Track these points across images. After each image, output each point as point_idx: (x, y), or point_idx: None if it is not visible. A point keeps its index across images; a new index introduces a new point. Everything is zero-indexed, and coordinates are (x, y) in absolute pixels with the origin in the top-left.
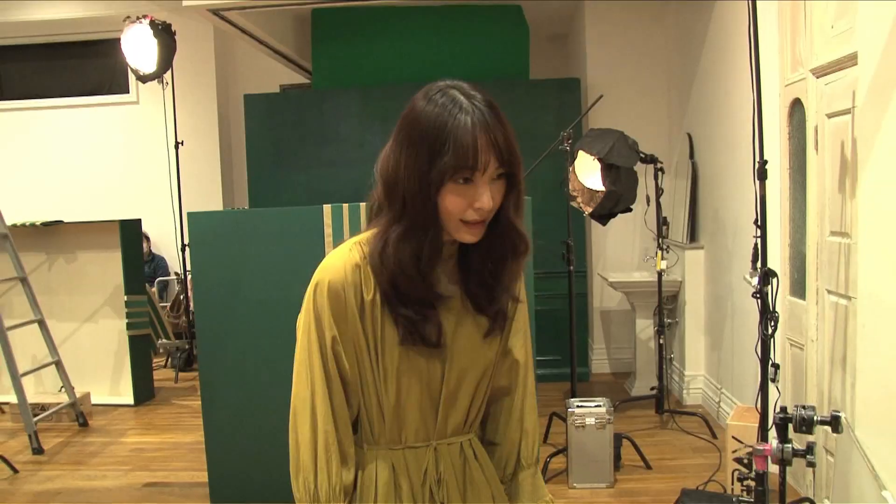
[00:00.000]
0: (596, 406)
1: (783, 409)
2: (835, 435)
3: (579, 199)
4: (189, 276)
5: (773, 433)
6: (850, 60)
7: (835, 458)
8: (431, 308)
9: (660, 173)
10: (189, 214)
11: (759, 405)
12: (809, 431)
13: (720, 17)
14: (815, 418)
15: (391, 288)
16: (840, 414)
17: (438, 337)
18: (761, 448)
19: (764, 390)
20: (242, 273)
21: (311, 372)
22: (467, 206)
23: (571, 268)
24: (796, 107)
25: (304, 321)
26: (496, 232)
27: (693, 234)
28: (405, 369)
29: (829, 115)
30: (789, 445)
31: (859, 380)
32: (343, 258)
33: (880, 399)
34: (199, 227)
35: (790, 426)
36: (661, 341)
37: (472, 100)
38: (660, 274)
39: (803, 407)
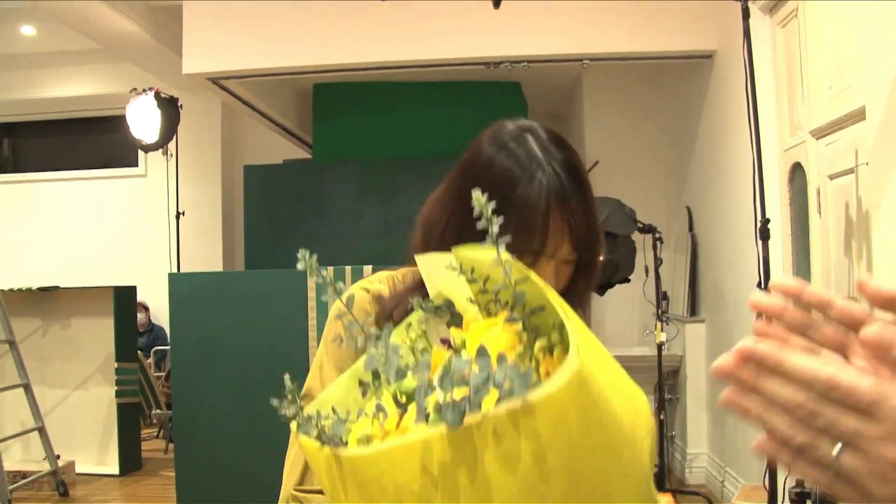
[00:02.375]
0: None
1: (799, 484)
2: None
3: None
4: None
5: None
6: (851, 119)
7: None
8: None
9: (658, 243)
10: (170, 275)
11: (766, 482)
12: None
13: (717, 86)
14: None
15: None
16: None
17: None
18: None
19: (772, 467)
20: (222, 335)
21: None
22: None
23: None
24: (796, 171)
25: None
26: None
27: (693, 308)
28: None
29: (831, 177)
30: None
31: None
32: (370, 284)
33: None
34: (180, 288)
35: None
36: (662, 417)
37: (549, 156)
38: (660, 347)
39: None
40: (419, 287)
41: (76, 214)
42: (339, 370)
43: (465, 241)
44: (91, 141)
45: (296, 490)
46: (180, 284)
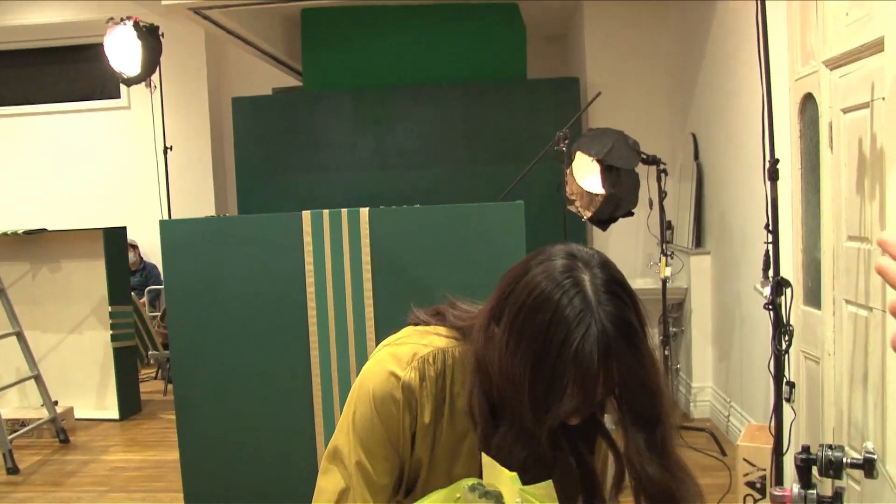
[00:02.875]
0: None
1: (805, 450)
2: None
3: (577, 203)
4: None
5: (787, 460)
6: (868, 50)
7: (860, 488)
8: None
9: (663, 175)
10: (161, 223)
11: (772, 426)
12: (838, 476)
13: (725, 11)
14: (843, 461)
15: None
16: (874, 456)
17: None
18: (780, 494)
19: (778, 411)
20: (218, 282)
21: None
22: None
23: None
24: (808, 102)
25: (344, 428)
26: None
27: (699, 240)
28: (457, 457)
29: (845, 110)
30: (814, 492)
31: (890, 407)
32: (402, 371)
33: None
34: (172, 236)
35: (814, 469)
36: (667, 352)
37: (600, 302)
38: (664, 281)
39: (830, 447)
40: (446, 375)
41: (57, 150)
42: (364, 447)
43: (537, 411)
44: (69, 71)
45: None
46: (172, 232)
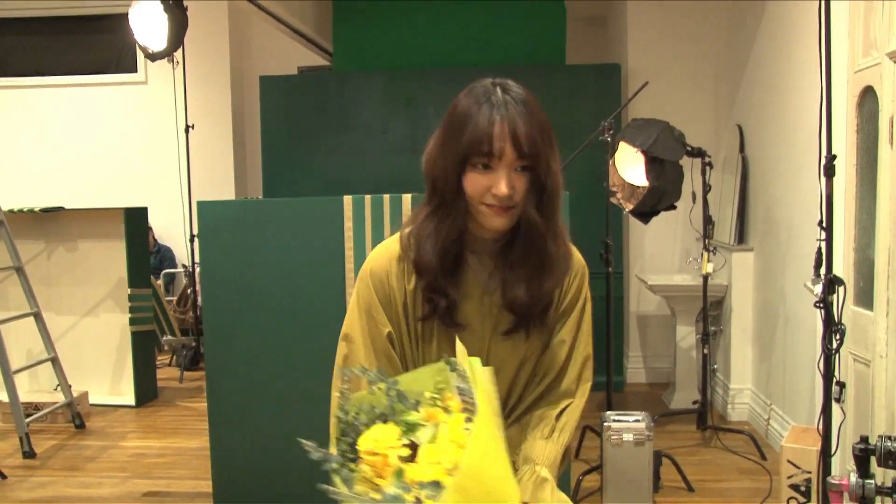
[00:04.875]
0: (635, 421)
1: (864, 440)
2: None
3: (619, 195)
4: (197, 270)
5: (835, 461)
6: None
7: None
8: (452, 288)
9: (707, 168)
10: (199, 203)
11: (820, 427)
12: None
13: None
14: None
15: (417, 264)
16: None
17: (452, 318)
18: (837, 482)
19: (827, 412)
20: (254, 267)
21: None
22: (486, 190)
23: (610, 269)
24: (867, 95)
25: (349, 310)
26: (528, 234)
27: (741, 236)
28: (443, 347)
29: None
30: (872, 482)
31: None
32: (387, 250)
33: None
34: (209, 218)
35: (872, 459)
36: (706, 351)
37: (507, 93)
38: (706, 278)
39: (889, 438)
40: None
41: (69, 125)
42: (367, 315)
43: (446, 163)
44: (82, 42)
45: None
46: (210, 213)
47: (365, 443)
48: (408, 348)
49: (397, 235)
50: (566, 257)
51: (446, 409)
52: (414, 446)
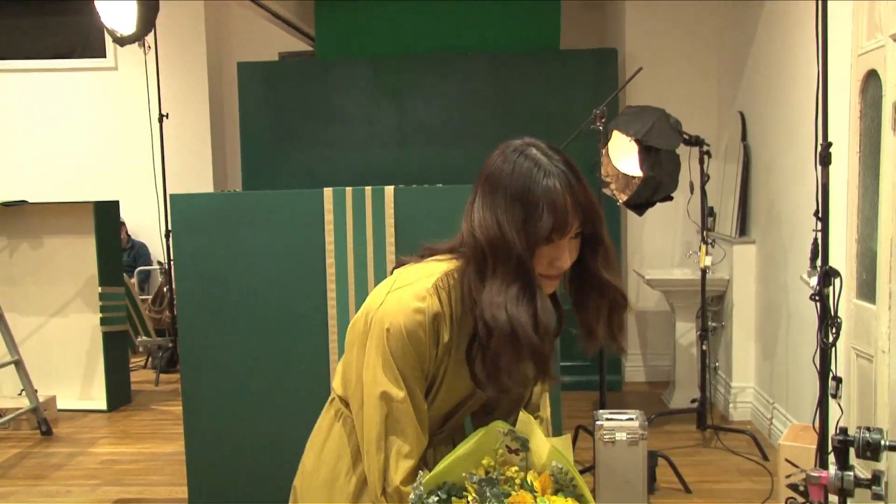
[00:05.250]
0: (628, 419)
1: (843, 431)
2: None
3: (613, 186)
4: (174, 266)
5: (832, 458)
6: None
7: None
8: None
9: (706, 157)
10: (172, 197)
11: (817, 424)
12: (875, 458)
13: None
14: (882, 443)
15: (507, 343)
16: None
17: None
18: (817, 475)
19: (823, 407)
20: (232, 263)
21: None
22: (548, 263)
23: None
24: (871, 79)
25: (378, 365)
26: (586, 288)
27: (743, 227)
28: (444, 392)
29: None
30: (850, 473)
31: None
32: (420, 304)
33: None
34: (184, 212)
35: (852, 451)
36: (705, 348)
37: (552, 160)
38: (704, 271)
39: (868, 429)
40: (454, 290)
41: (33, 114)
42: (404, 378)
43: (525, 243)
44: (47, 24)
45: None
46: (184, 206)
47: None
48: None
49: (421, 286)
50: (626, 301)
51: (531, 489)
52: None
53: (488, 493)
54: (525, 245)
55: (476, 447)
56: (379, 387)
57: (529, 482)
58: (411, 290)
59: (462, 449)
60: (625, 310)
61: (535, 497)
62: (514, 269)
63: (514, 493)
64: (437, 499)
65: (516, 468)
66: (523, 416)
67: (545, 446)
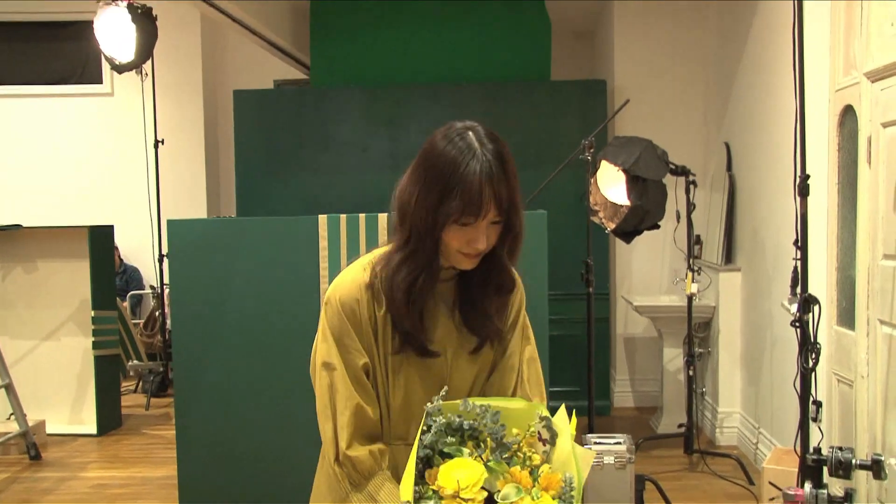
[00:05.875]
0: (616, 443)
1: (817, 451)
2: (885, 484)
3: (601, 214)
4: (166, 291)
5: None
6: None
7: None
8: (421, 323)
9: (692, 187)
10: (169, 222)
11: (798, 447)
12: (846, 476)
13: (767, 12)
14: (853, 461)
15: (390, 305)
16: (881, 458)
17: (425, 348)
18: (792, 493)
19: (804, 430)
20: (226, 288)
21: (336, 391)
22: (466, 243)
23: (591, 290)
24: (848, 114)
25: (321, 338)
26: (490, 267)
27: (729, 255)
28: (411, 374)
29: (885, 125)
30: (824, 491)
31: None
32: (356, 277)
33: None
34: (180, 237)
35: (825, 469)
36: (692, 373)
37: (484, 148)
38: (690, 298)
39: (840, 448)
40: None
41: (30, 139)
42: (340, 345)
43: (429, 219)
44: (44, 50)
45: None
46: (181, 232)
47: (445, 478)
48: (379, 377)
49: (361, 262)
50: (511, 278)
51: (534, 479)
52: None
53: (498, 453)
54: (432, 220)
55: (511, 412)
56: (321, 357)
57: (539, 472)
58: (351, 268)
59: (498, 402)
60: (509, 293)
61: (532, 485)
62: (412, 238)
63: (518, 468)
64: (433, 501)
65: (539, 455)
66: (562, 411)
67: (569, 451)
